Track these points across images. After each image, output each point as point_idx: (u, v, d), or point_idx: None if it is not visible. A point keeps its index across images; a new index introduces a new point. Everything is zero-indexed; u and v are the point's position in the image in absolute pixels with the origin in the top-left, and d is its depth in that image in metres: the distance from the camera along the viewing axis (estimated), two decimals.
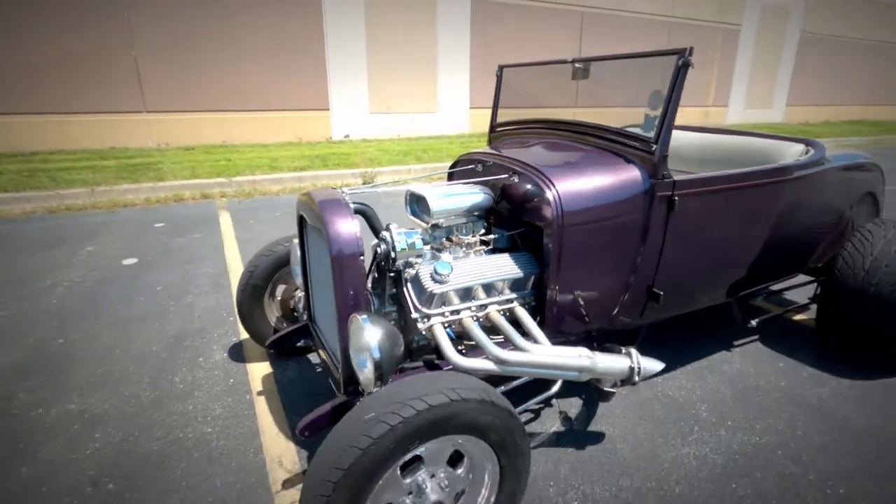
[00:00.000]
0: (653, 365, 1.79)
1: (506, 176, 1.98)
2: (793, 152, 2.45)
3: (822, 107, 18.02)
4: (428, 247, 1.96)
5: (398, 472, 1.25)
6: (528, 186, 1.87)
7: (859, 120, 18.51)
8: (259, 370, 2.45)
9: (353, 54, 9.91)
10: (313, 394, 2.26)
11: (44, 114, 7.88)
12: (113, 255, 4.10)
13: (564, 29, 12.12)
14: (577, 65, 2.14)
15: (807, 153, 2.39)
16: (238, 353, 2.60)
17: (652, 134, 1.80)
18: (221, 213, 5.47)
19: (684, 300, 2.18)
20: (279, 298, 2.51)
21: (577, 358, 1.66)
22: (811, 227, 2.48)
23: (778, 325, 2.92)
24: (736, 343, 2.72)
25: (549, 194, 1.77)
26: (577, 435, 2.00)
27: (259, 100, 9.31)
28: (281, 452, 1.90)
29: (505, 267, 1.90)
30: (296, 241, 2.12)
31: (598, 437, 1.98)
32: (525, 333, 1.79)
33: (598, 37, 12.57)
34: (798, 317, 3.04)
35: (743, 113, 16.11)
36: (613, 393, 1.79)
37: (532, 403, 1.95)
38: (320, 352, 2.01)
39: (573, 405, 2.18)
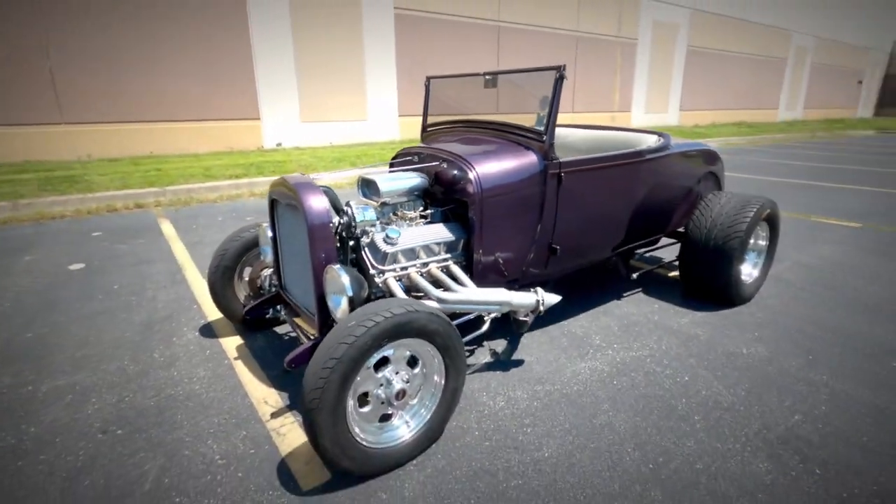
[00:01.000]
0: (553, 298, 2.40)
1: (437, 164, 2.51)
2: (648, 141, 3.22)
3: (710, 111, 20.56)
4: (378, 222, 2.44)
5: (372, 369, 1.73)
6: (456, 171, 2.42)
7: (740, 122, 21.29)
8: (232, 342, 2.79)
9: (282, 64, 10.11)
10: (284, 356, 2.65)
11: None
12: (56, 262, 4.16)
13: (483, 41, 13.04)
14: (487, 77, 2.74)
15: (658, 142, 3.16)
16: (209, 332, 2.91)
17: (543, 128, 2.43)
18: (161, 220, 5.56)
19: (577, 254, 2.83)
20: (246, 279, 2.87)
21: (498, 295, 2.23)
22: (667, 197, 3.25)
23: (657, 280, 3.71)
24: (624, 294, 3.44)
25: (472, 176, 2.33)
26: (502, 362, 2.57)
27: (186, 110, 9.25)
28: (265, 395, 2.30)
29: (441, 234, 2.43)
30: (265, 224, 2.52)
31: (518, 363, 2.56)
32: (459, 283, 2.32)
33: (514, 48, 13.64)
34: (672, 273, 3.85)
35: (644, 117, 17.99)
36: (527, 322, 2.37)
37: (467, 340, 2.49)
38: (294, 319, 2.42)
39: (499, 344, 2.75)
